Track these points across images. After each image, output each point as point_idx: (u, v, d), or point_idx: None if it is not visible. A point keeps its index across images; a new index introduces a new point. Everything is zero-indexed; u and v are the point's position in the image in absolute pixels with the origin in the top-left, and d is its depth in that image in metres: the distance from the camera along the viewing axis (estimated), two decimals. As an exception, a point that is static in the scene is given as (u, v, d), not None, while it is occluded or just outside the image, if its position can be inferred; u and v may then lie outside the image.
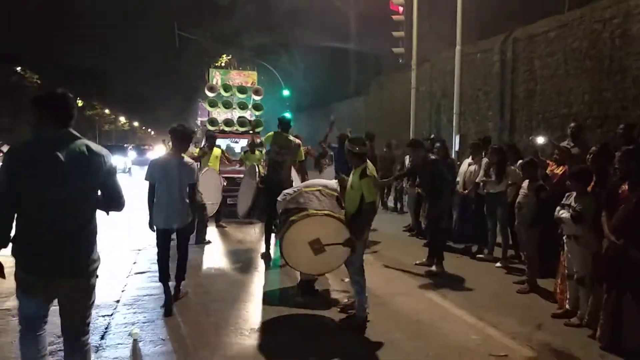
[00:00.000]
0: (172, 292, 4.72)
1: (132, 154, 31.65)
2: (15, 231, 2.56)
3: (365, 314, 4.31)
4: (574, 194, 4.33)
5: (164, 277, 4.66)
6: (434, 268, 6.03)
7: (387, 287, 5.41)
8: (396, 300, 5.00)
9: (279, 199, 4.94)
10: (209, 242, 7.54)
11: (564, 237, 4.42)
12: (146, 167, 4.72)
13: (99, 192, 2.70)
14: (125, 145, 32.02)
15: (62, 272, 2.58)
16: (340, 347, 3.85)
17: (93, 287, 2.74)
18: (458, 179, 7.30)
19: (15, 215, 2.54)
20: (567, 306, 4.47)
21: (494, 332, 4.18)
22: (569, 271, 4.40)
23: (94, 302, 2.78)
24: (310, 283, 5.16)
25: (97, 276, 2.76)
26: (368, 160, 4.37)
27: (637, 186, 3.72)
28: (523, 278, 5.52)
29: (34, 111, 2.64)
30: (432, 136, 11.14)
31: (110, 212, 2.82)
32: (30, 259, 2.55)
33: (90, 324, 2.84)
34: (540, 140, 8.94)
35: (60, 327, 2.69)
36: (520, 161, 6.05)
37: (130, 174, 24.17)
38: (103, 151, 2.68)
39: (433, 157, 6.49)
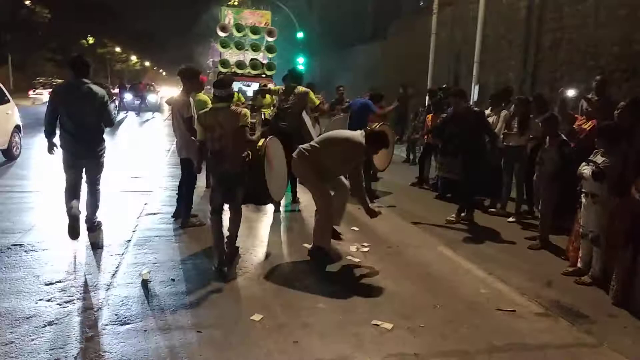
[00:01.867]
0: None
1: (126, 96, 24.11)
2: (60, 133, 4.70)
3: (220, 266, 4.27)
4: (601, 150, 4.16)
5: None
6: (458, 218, 6.12)
7: (398, 239, 5.38)
8: (407, 252, 4.98)
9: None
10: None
11: (582, 195, 4.30)
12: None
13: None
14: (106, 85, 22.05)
15: (85, 155, 4.75)
16: (349, 294, 3.86)
17: (102, 162, 4.90)
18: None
19: (59, 124, 4.70)
20: (579, 265, 4.41)
21: (503, 287, 4.16)
22: (584, 230, 4.31)
23: (102, 168, 4.92)
24: (322, 250, 4.52)
25: (104, 156, 4.89)
26: (231, 105, 4.29)
27: None
28: (535, 234, 5.46)
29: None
30: (445, 85, 10.79)
31: (106, 126, 4.90)
32: (68, 148, 4.65)
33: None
34: (570, 92, 8.56)
35: (86, 180, 4.85)
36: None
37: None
38: (100, 91, 4.73)
39: (476, 108, 6.22)
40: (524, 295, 3.98)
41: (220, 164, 4.32)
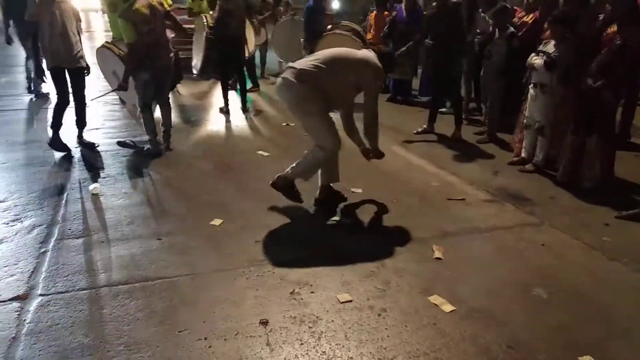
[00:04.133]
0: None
1: None
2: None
3: (159, 149, 4.82)
4: (552, 41, 4.20)
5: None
6: (459, 133, 5.53)
7: (352, 142, 5.40)
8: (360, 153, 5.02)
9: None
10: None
11: (530, 86, 4.40)
12: None
13: None
14: None
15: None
16: (306, 195, 3.90)
17: None
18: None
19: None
20: (523, 154, 4.63)
21: (453, 179, 4.33)
22: (528, 120, 4.46)
23: None
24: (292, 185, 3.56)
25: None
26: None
27: (625, 29, 3.64)
28: (483, 129, 5.63)
29: None
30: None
31: None
32: None
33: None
34: None
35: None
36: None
37: None
38: None
39: (454, 0, 5.44)
40: (472, 185, 4.18)
41: (157, 59, 4.50)
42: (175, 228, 3.31)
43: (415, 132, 5.77)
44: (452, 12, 5.39)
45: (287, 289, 2.61)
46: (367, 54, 3.49)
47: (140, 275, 2.72)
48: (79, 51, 4.66)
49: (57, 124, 4.71)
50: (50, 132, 4.78)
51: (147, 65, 4.47)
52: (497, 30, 5.15)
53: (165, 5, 4.57)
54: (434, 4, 5.64)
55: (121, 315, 2.37)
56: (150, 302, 2.48)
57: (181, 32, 5.19)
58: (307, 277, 2.72)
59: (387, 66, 3.54)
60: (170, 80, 4.90)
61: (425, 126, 5.78)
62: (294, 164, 3.51)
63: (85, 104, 4.95)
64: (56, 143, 4.73)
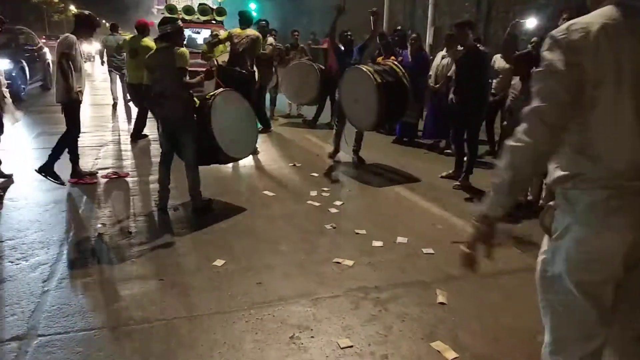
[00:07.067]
0: None
1: None
2: None
3: (163, 204, 4.41)
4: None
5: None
6: (459, 182, 5.33)
7: (357, 183, 5.45)
8: (366, 194, 5.05)
9: None
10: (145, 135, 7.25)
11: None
12: None
13: None
14: None
15: None
16: (310, 236, 3.90)
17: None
18: (430, 72, 7.12)
19: None
20: (529, 197, 4.61)
21: (457, 221, 4.31)
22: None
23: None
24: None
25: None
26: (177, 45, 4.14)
27: None
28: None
29: None
30: (399, 27, 10.64)
31: None
32: None
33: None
34: (530, 23, 8.38)
35: None
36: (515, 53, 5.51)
37: None
38: None
39: (482, 47, 5.32)
40: (478, 227, 4.14)
41: (161, 107, 4.24)
42: (178, 268, 3.31)
43: (440, 176, 5.68)
44: (479, 59, 5.16)
45: (287, 333, 2.57)
46: None
47: (140, 316, 2.70)
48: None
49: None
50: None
51: (155, 114, 4.51)
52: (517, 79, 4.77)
53: (181, 62, 4.05)
54: (461, 48, 5.40)
55: (117, 359, 2.34)
56: (148, 344, 2.45)
57: (188, 89, 4.30)
58: (308, 321, 2.68)
59: None
60: (188, 139, 4.21)
61: (451, 171, 5.64)
62: None
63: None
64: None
